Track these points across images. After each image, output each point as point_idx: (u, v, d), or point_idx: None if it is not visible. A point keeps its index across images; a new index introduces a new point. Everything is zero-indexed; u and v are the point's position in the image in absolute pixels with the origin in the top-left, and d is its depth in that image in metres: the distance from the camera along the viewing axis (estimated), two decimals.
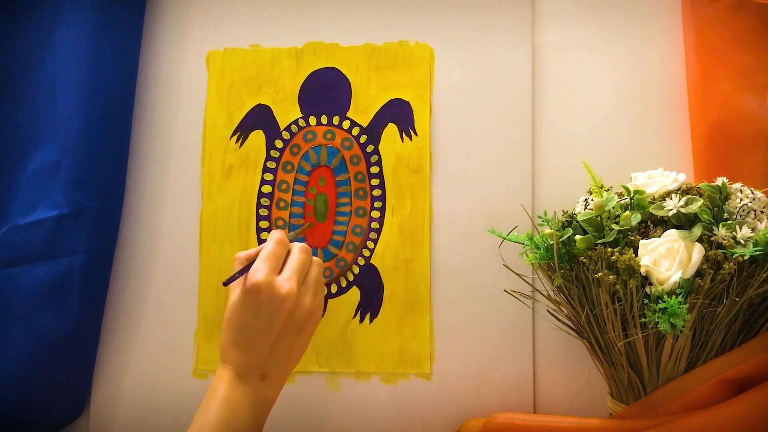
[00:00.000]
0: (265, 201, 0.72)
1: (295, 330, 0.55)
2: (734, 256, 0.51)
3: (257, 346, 0.54)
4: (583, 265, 0.56)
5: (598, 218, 0.57)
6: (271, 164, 0.72)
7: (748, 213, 0.54)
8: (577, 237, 0.57)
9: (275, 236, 0.57)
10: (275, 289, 0.54)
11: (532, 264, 0.60)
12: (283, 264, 0.57)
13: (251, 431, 0.53)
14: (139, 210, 0.73)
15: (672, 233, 0.53)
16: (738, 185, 0.56)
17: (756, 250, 0.51)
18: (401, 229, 0.70)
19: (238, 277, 0.56)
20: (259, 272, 0.54)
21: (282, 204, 0.72)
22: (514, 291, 0.65)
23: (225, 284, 0.56)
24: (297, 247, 0.58)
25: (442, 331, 0.69)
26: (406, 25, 0.72)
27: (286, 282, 0.55)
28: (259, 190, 0.72)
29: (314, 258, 0.59)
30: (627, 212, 0.56)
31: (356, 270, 0.70)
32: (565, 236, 0.58)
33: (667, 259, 0.52)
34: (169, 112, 0.74)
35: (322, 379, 0.70)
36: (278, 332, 0.54)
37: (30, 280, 0.66)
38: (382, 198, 0.71)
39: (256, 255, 0.57)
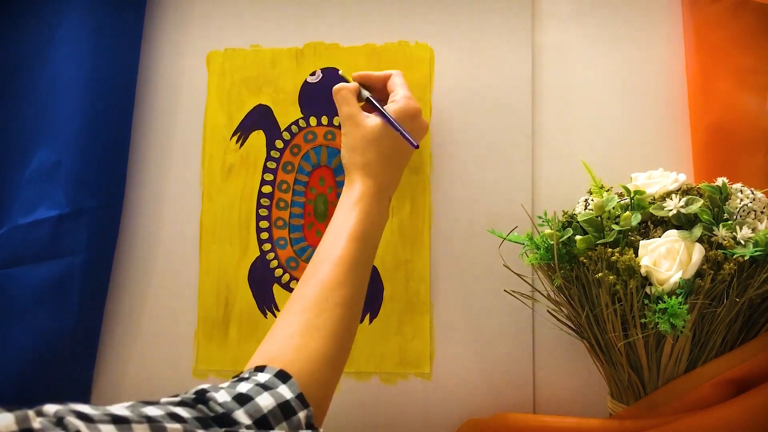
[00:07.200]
0: (265, 201, 0.72)
1: (407, 161, 0.64)
2: (734, 257, 0.51)
3: (397, 165, 0.62)
4: (583, 266, 0.56)
5: (599, 218, 0.57)
6: (272, 164, 0.72)
7: (748, 213, 0.54)
8: (578, 237, 0.57)
9: (400, 73, 0.65)
10: (423, 118, 0.63)
11: (532, 264, 0.60)
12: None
13: (373, 251, 0.58)
14: (139, 210, 0.73)
15: (672, 233, 0.53)
16: (738, 185, 0.56)
17: (756, 251, 0.51)
18: (401, 230, 0.70)
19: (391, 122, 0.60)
20: (414, 100, 0.62)
21: (282, 204, 0.72)
22: (514, 291, 0.65)
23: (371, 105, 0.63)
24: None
25: (442, 331, 0.69)
26: (406, 25, 0.72)
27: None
28: (259, 191, 0.72)
29: None
30: (627, 212, 0.56)
31: None
32: (565, 236, 0.58)
33: (667, 259, 0.52)
34: (169, 112, 0.74)
35: None
36: (407, 157, 0.63)
37: (30, 280, 0.66)
38: None
39: (380, 78, 0.65)
